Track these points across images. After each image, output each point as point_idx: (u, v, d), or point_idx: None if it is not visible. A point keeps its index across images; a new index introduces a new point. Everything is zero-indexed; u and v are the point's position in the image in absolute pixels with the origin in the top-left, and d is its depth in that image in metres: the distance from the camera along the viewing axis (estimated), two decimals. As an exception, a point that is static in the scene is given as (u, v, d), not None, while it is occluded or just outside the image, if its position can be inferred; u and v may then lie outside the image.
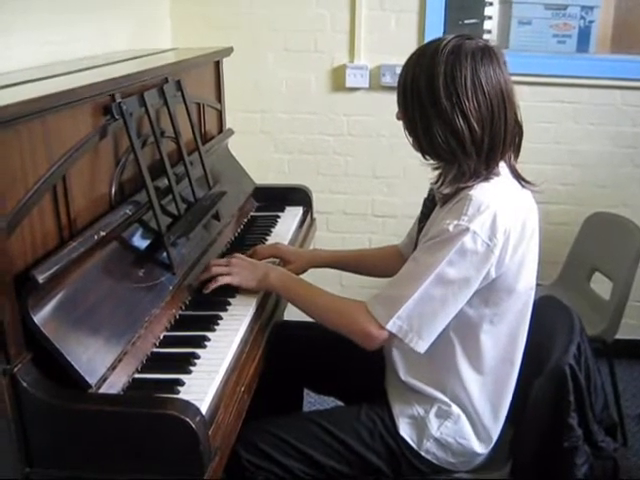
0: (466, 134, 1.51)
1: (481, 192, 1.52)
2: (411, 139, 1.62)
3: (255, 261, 1.91)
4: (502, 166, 1.59)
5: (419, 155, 1.64)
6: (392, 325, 1.55)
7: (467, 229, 1.49)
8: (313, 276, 1.89)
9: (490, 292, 1.57)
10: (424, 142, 1.57)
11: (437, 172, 1.66)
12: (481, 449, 1.70)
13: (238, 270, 1.82)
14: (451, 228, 1.50)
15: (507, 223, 1.50)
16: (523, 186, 1.62)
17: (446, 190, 1.58)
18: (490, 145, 1.53)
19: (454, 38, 1.54)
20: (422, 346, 1.56)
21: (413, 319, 1.54)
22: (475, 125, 1.51)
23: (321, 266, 2.09)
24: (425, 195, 1.80)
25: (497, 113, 1.52)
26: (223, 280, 1.81)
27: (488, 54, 1.52)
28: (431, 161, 1.62)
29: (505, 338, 1.63)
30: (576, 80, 3.08)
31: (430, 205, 1.73)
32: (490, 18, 3.17)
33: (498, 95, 1.52)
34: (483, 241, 1.49)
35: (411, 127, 1.59)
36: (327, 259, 2.13)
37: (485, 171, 1.55)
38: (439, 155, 1.58)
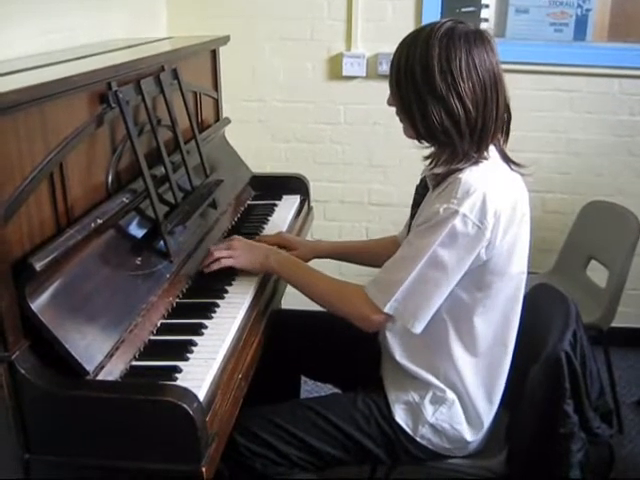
0: (461, 115, 1.52)
1: (470, 175, 1.53)
2: (405, 123, 1.63)
3: (255, 243, 1.93)
4: (492, 150, 1.60)
5: (416, 143, 1.64)
6: (389, 308, 1.58)
7: (456, 212, 1.50)
8: (313, 264, 1.90)
9: (482, 275, 1.58)
10: (420, 124, 1.57)
11: (430, 157, 1.67)
12: (475, 434, 1.71)
13: (239, 253, 1.84)
14: (441, 211, 1.52)
15: (497, 205, 1.51)
16: (512, 169, 1.64)
17: (438, 170, 1.60)
18: (482, 127, 1.55)
19: (447, 22, 1.55)
20: (418, 327, 1.58)
21: (409, 301, 1.56)
22: (470, 106, 1.52)
23: (324, 256, 2.11)
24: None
25: (489, 95, 1.54)
26: (226, 262, 1.82)
27: (480, 37, 1.54)
28: (425, 144, 1.63)
29: (498, 321, 1.64)
30: (573, 69, 3.07)
31: (422, 192, 1.74)
32: (487, 6, 3.16)
33: (491, 77, 1.54)
34: (474, 223, 1.50)
35: (406, 110, 1.59)
36: (330, 250, 2.15)
37: (476, 154, 1.56)
38: (434, 136, 1.58)
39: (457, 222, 1.50)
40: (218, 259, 1.83)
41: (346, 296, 1.67)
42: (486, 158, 1.57)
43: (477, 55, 1.52)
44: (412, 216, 1.76)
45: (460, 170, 1.55)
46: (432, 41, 1.52)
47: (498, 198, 1.52)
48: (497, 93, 1.55)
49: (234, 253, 1.84)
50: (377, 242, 2.17)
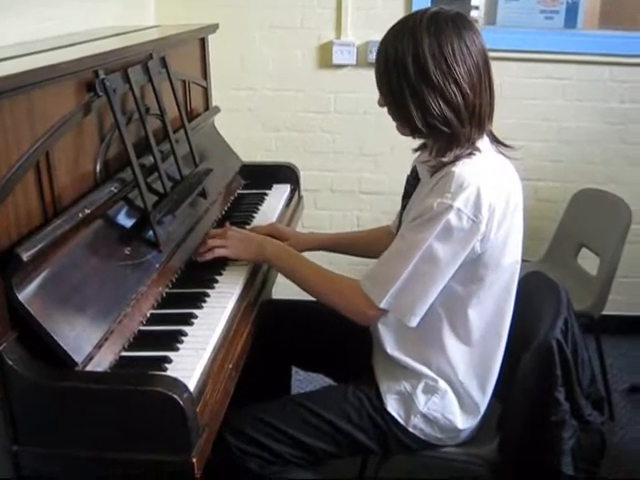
0: (460, 101, 1.51)
1: (464, 169, 1.51)
2: (401, 120, 1.59)
3: (250, 233, 1.93)
4: (483, 141, 1.59)
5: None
6: (385, 303, 1.57)
7: (451, 206, 1.49)
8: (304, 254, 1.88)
9: (476, 267, 1.57)
10: (418, 120, 1.54)
11: (420, 149, 1.65)
12: (468, 423, 1.71)
13: (234, 242, 1.83)
14: (435, 206, 1.50)
15: (491, 198, 1.50)
16: (500, 151, 1.63)
17: (445, 159, 1.56)
18: (480, 109, 1.54)
19: (428, 9, 1.55)
20: (414, 321, 1.58)
21: (405, 296, 1.56)
22: (467, 89, 1.51)
23: (316, 248, 2.09)
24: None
25: (483, 76, 1.53)
26: (219, 252, 1.81)
27: (465, 20, 1.54)
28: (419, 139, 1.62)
29: (492, 312, 1.64)
30: (564, 56, 3.07)
31: (413, 182, 1.73)
32: (477, -6, 3.16)
33: (482, 58, 1.53)
34: (469, 217, 1.49)
35: (401, 107, 1.56)
36: (323, 241, 2.14)
37: (478, 137, 1.55)
38: (434, 129, 1.55)
39: (451, 216, 1.49)
40: (212, 249, 1.82)
41: (341, 290, 1.67)
42: (479, 150, 1.56)
43: (468, 38, 1.51)
44: (403, 207, 1.75)
45: (453, 163, 1.53)
46: (419, 30, 1.50)
47: (492, 191, 1.51)
48: (489, 73, 1.55)
49: (228, 242, 1.83)
50: (370, 232, 2.16)
